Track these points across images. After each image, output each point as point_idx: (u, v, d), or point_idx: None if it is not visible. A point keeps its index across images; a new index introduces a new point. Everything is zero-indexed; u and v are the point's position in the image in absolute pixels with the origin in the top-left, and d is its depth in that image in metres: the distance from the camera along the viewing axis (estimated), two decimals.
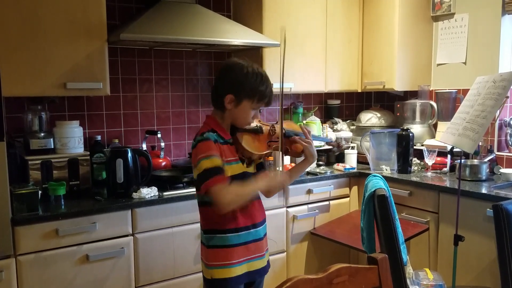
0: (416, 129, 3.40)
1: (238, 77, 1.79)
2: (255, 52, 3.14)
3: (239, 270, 1.85)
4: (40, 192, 2.33)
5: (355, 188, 3.32)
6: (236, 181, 1.81)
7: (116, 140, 2.91)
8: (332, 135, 3.50)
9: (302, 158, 2.01)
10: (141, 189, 2.53)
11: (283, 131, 1.93)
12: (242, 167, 1.87)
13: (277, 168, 1.94)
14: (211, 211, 1.82)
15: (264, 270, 1.97)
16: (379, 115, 3.64)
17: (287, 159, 3.21)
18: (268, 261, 2.02)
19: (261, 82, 1.81)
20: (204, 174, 1.73)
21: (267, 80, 1.84)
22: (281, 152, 1.90)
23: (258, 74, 1.81)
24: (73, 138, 2.61)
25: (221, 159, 1.77)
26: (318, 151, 3.30)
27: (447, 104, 3.34)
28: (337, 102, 3.85)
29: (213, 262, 1.86)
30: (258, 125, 1.94)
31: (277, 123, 2.00)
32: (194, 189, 2.60)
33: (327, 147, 3.44)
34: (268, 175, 1.86)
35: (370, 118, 3.64)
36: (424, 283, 2.10)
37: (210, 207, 1.80)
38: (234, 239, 1.85)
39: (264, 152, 1.91)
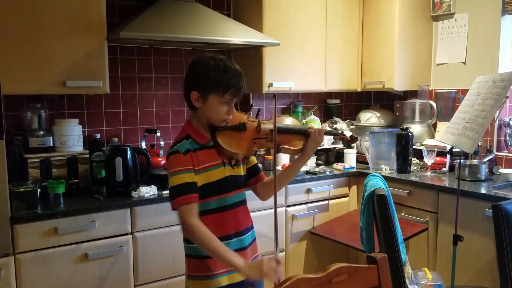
0: (416, 128, 3.40)
1: (200, 72, 1.68)
2: (255, 51, 3.14)
3: (218, 282, 1.73)
4: (39, 190, 2.33)
5: (354, 188, 3.32)
6: (214, 191, 1.71)
7: (116, 139, 2.91)
8: None
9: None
10: (140, 187, 2.53)
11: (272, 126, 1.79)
12: (224, 171, 1.74)
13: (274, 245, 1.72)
14: None
15: (246, 283, 1.77)
16: (378, 114, 3.64)
17: (286, 158, 3.21)
18: None
19: (225, 72, 1.66)
20: (171, 192, 1.66)
21: (231, 69, 1.68)
22: (274, 154, 1.75)
23: (220, 65, 1.66)
24: (73, 136, 2.61)
25: (191, 173, 1.66)
26: (319, 149, 3.34)
27: (447, 104, 3.34)
28: (337, 101, 3.85)
29: (192, 273, 1.77)
30: (241, 122, 1.77)
31: (270, 118, 1.87)
32: None
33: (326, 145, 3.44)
34: (246, 265, 1.62)
35: (370, 117, 3.64)
36: (423, 282, 2.10)
37: None
38: None
39: (247, 151, 1.77)
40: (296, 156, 1.94)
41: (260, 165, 1.99)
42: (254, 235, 1.89)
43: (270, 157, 3.18)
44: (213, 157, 1.73)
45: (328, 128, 1.94)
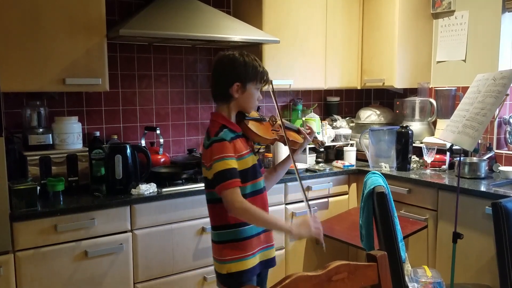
0: (416, 126, 3.40)
1: (239, 65, 1.87)
2: (254, 49, 3.13)
3: (254, 261, 1.90)
4: (38, 188, 2.33)
5: (354, 185, 3.32)
6: (249, 176, 1.88)
7: (115, 136, 2.90)
8: (331, 132, 3.50)
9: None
10: (140, 185, 2.53)
11: (284, 124, 2.08)
12: (253, 159, 1.93)
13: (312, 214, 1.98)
14: (220, 208, 1.85)
15: (273, 261, 2.02)
16: (378, 112, 3.63)
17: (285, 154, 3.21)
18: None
19: (254, 64, 1.90)
20: (219, 176, 1.77)
21: (258, 61, 1.94)
22: (288, 144, 2.03)
23: (251, 58, 1.91)
24: (72, 134, 2.61)
25: (235, 160, 1.81)
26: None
27: (447, 102, 3.34)
28: (337, 99, 3.84)
29: (228, 256, 1.89)
30: (260, 115, 2.06)
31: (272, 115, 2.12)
32: (193, 186, 2.64)
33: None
34: (297, 225, 1.87)
35: (370, 115, 3.64)
36: (423, 280, 2.10)
37: (220, 204, 1.84)
38: (247, 231, 1.89)
39: (272, 138, 2.02)
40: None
41: None
42: None
43: (270, 155, 3.19)
44: (246, 145, 1.92)
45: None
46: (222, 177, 1.77)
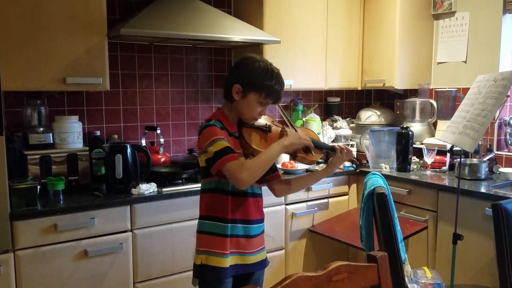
0: (416, 127, 3.40)
1: (248, 69, 1.84)
2: (255, 49, 3.13)
3: (225, 261, 1.86)
4: (39, 187, 2.33)
5: (354, 186, 3.32)
6: None
7: (115, 136, 2.90)
8: (331, 133, 3.50)
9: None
10: (140, 185, 2.53)
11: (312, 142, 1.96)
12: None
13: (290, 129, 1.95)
14: (210, 198, 1.88)
15: (252, 266, 1.95)
16: (378, 113, 3.63)
17: (286, 157, 3.21)
18: (266, 258, 2.02)
19: (270, 78, 1.83)
20: (215, 156, 1.76)
21: (278, 77, 1.85)
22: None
23: (268, 69, 1.84)
24: (72, 133, 2.61)
25: (228, 142, 1.78)
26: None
27: (447, 103, 3.34)
28: (337, 99, 3.84)
29: (203, 247, 1.89)
30: (268, 124, 1.95)
31: (289, 126, 2.01)
32: (193, 185, 2.64)
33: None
34: (284, 139, 1.85)
35: (370, 116, 3.64)
36: (423, 281, 2.10)
37: (211, 194, 1.86)
38: (224, 229, 1.86)
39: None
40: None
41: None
42: (262, 228, 2.00)
43: None
44: (236, 146, 1.86)
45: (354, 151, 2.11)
46: (220, 154, 1.74)
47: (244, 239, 1.90)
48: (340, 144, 2.07)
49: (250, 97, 1.83)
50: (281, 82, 1.87)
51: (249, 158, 1.87)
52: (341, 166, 3.27)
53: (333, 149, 2.05)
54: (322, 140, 3.27)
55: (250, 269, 1.94)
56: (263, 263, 2.00)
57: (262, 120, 1.97)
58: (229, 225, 1.87)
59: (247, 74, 1.83)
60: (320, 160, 3.42)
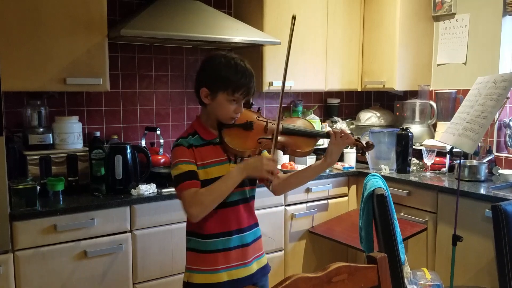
0: (416, 129, 3.40)
1: (210, 69, 1.71)
2: (255, 50, 3.13)
3: (217, 277, 1.73)
4: (38, 187, 2.33)
5: (353, 187, 3.32)
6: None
7: (115, 136, 2.90)
8: None
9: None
10: (140, 185, 2.53)
11: (281, 126, 1.79)
12: (228, 168, 1.72)
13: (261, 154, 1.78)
14: None
15: (254, 276, 1.81)
16: (378, 114, 3.64)
17: (285, 157, 3.21)
18: (267, 264, 1.90)
19: (234, 72, 1.68)
20: (175, 181, 1.68)
21: (243, 69, 1.70)
22: (273, 149, 1.74)
23: (231, 64, 1.68)
24: (72, 134, 2.61)
25: (193, 164, 1.68)
26: (319, 148, 3.33)
27: (447, 104, 3.34)
28: (337, 101, 3.84)
29: (190, 265, 1.78)
30: (249, 121, 1.78)
31: (282, 119, 1.86)
32: None
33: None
34: (243, 165, 1.70)
35: (370, 117, 3.64)
36: (422, 282, 2.10)
37: None
38: (210, 245, 1.73)
39: (250, 150, 1.75)
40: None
41: None
42: (258, 233, 1.87)
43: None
44: (218, 153, 1.74)
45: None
46: (178, 180, 1.66)
47: (237, 250, 1.76)
48: (337, 128, 1.86)
49: (219, 98, 1.69)
50: (247, 74, 1.70)
51: (238, 160, 1.76)
52: (341, 167, 3.27)
53: (327, 135, 1.85)
54: (322, 141, 3.28)
55: (250, 281, 1.79)
56: (264, 269, 1.86)
57: (244, 117, 1.79)
58: (218, 239, 1.73)
59: (210, 75, 1.70)
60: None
